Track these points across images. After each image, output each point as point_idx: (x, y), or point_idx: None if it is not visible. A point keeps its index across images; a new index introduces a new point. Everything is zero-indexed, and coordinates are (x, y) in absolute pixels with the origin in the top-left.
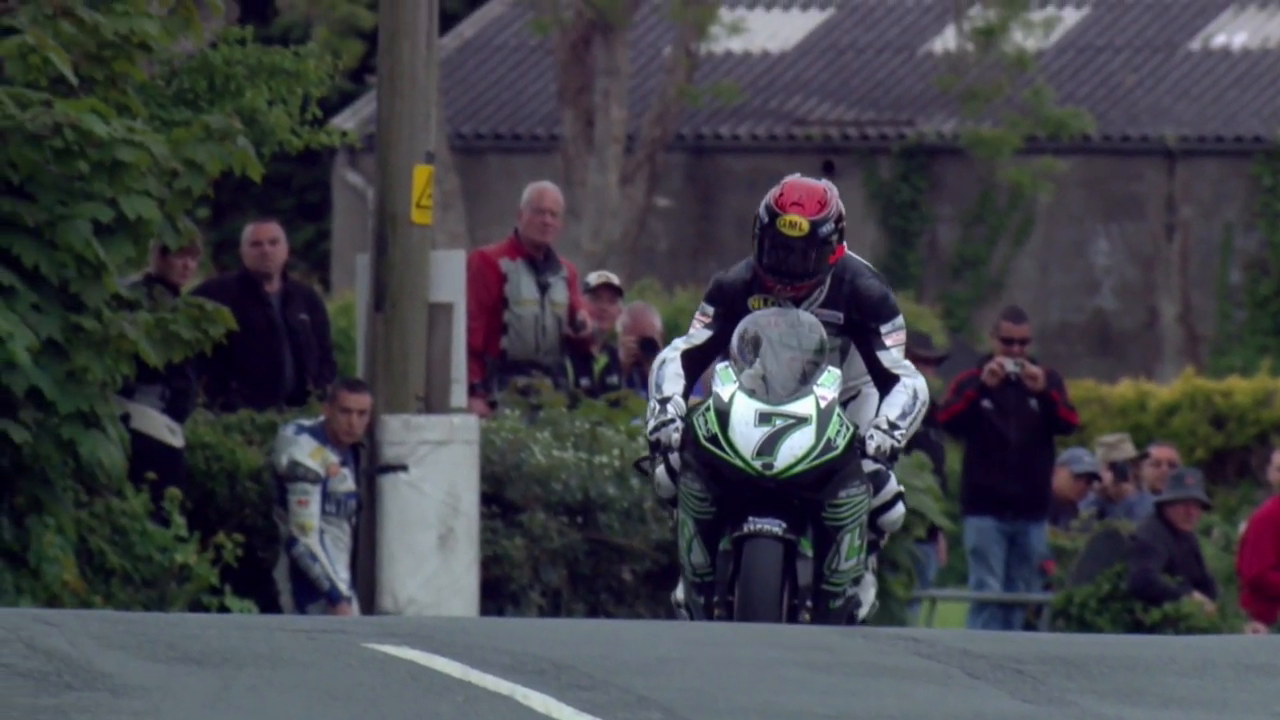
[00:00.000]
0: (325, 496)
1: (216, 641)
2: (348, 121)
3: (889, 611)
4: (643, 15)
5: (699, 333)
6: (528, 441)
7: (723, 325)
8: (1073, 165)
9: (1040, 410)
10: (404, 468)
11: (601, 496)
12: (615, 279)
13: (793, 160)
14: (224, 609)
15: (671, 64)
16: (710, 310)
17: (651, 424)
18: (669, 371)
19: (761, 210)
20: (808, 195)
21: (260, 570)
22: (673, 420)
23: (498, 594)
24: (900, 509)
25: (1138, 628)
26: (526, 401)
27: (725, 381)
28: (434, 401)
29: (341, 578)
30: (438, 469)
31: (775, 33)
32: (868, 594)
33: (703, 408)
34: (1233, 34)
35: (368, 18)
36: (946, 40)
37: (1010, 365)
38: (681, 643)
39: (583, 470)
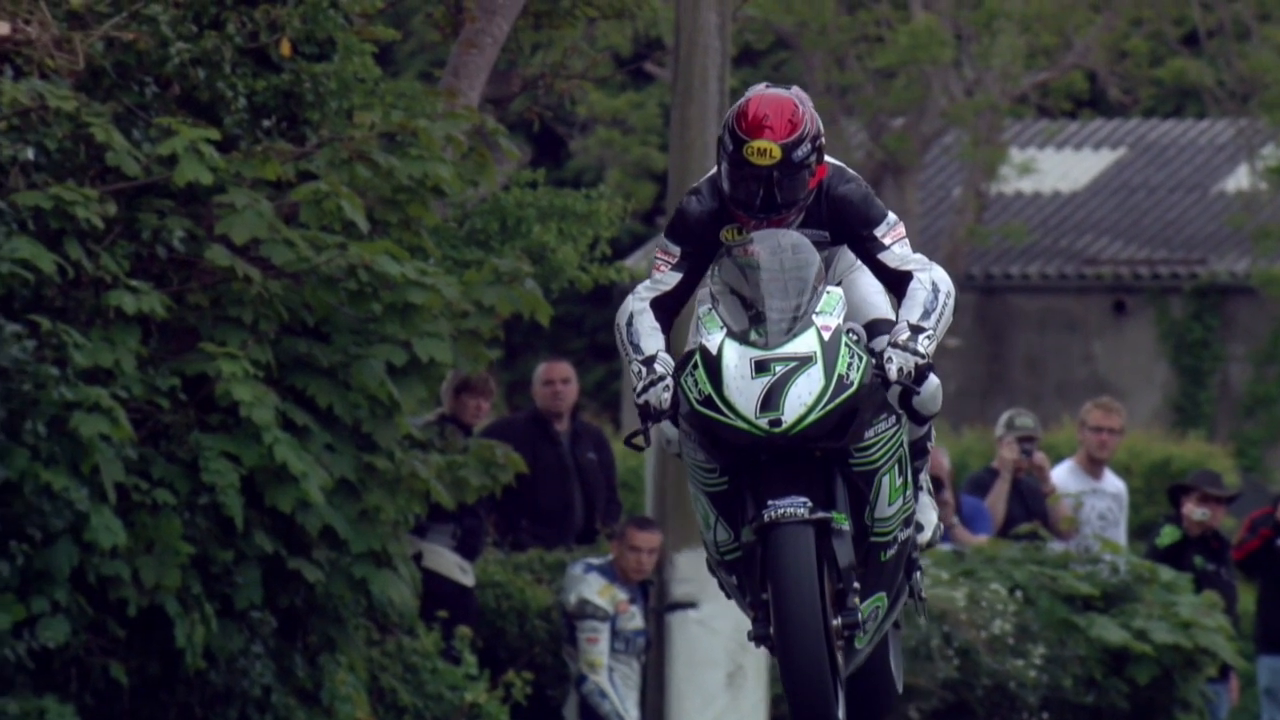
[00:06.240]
0: (614, 634)
1: None
2: (640, 262)
3: None
4: (933, 156)
5: (666, 276)
6: None
7: (692, 265)
8: None
9: None
10: (693, 605)
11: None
12: None
13: (1083, 300)
14: None
15: (961, 204)
16: (675, 250)
17: (639, 386)
18: (644, 325)
19: (724, 134)
20: (776, 113)
21: (549, 708)
22: (663, 378)
23: None
24: (934, 380)
25: None
26: None
27: (710, 328)
28: None
29: (631, 715)
30: (727, 606)
31: (1066, 173)
32: (928, 516)
33: (690, 366)
34: None
35: (660, 160)
36: (1239, 179)
37: None
38: None
39: None
